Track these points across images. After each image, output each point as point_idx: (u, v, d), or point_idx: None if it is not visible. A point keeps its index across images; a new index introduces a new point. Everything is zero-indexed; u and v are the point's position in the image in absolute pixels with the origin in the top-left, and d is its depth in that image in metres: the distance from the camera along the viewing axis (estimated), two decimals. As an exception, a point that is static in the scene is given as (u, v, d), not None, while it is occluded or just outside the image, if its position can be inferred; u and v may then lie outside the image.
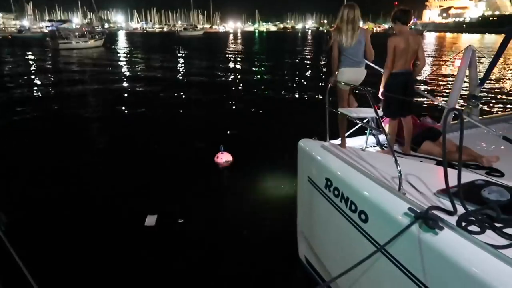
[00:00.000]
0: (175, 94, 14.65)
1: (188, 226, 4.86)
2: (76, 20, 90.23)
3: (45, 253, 4.25)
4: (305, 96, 14.75)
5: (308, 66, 26.40)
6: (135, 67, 24.48)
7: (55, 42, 38.68)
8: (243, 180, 6.36)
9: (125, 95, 14.83)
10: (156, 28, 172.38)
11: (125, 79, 19.12)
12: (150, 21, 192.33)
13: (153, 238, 4.61)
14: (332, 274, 3.23)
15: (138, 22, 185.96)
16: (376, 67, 4.03)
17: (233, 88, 16.70)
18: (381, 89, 3.80)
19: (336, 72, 3.76)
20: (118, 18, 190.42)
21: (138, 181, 6.31)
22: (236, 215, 5.16)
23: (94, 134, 9.54)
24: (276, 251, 4.32)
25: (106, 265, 4.07)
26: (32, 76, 19.74)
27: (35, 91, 15.47)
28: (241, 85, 17.37)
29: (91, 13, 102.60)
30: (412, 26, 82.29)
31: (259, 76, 20.85)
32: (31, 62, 27.54)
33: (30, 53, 34.98)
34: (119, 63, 27.61)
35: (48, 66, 25.60)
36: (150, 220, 4.87)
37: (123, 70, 23.22)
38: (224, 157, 6.97)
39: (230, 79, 19.36)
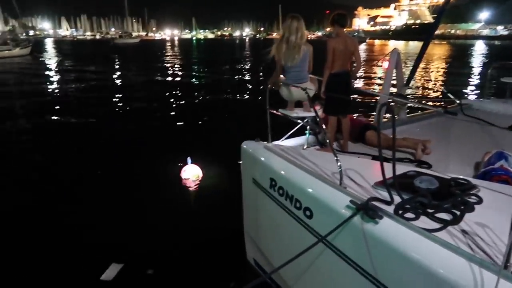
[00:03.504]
0: (118, 108, 13.59)
1: (157, 277, 3.99)
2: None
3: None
4: (246, 98, 14.93)
5: (247, 70, 26.75)
6: (70, 77, 22.62)
7: (-27, 51, 35.43)
8: (209, 192, 5.94)
9: (61, 110, 13.29)
10: (88, 35, 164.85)
11: (59, 92, 17.53)
12: (81, 28, 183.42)
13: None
14: (280, 273, 3.27)
15: (67, 29, 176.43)
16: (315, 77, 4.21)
17: (177, 95, 16.31)
18: (323, 89, 3.98)
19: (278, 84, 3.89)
20: (44, 25, 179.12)
21: (93, 216, 5.25)
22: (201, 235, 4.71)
23: (24, 160, 7.87)
24: (224, 256, 4.27)
25: None
26: None
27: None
28: (184, 92, 17.08)
29: (13, 20, 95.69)
30: (355, 34, 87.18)
31: (200, 82, 20.75)
32: None
33: None
34: (51, 73, 25.55)
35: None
36: (110, 273, 3.93)
37: (56, 81, 21.42)
38: (191, 171, 6.30)
39: (172, 86, 18.95)
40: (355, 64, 4.20)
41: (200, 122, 11.00)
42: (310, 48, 3.82)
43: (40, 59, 38.31)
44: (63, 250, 4.41)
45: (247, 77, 22.87)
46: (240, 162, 3.68)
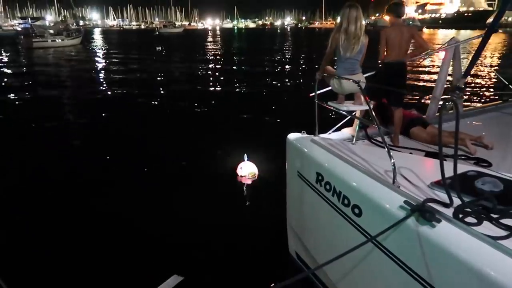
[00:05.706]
0: (166, 98, 13.66)
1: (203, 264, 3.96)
2: (49, 17, 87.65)
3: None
4: (291, 89, 14.73)
5: (290, 60, 26.44)
6: (120, 68, 23.09)
7: (28, 40, 37.23)
8: (264, 190, 5.74)
9: (114, 101, 13.37)
10: (133, 25, 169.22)
11: (111, 82, 17.72)
12: (127, 18, 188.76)
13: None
14: (324, 269, 3.20)
15: (114, 19, 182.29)
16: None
17: (225, 87, 16.21)
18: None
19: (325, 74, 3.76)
20: (93, 15, 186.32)
21: (149, 209, 5.20)
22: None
23: (78, 148, 8.15)
24: (266, 247, 4.28)
25: None
26: (5, 79, 18.85)
27: (8, 95, 14.40)
28: (230, 83, 17.00)
29: (65, 10, 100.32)
30: (410, 22, 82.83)
31: (243, 73, 20.69)
32: (2, 62, 26.22)
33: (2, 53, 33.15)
34: (101, 63, 26.34)
35: (22, 67, 24.13)
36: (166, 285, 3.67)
37: (107, 71, 21.93)
38: (247, 168, 6.17)
39: (217, 77, 19.08)
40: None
41: (248, 115, 10.69)
42: (366, 40, 3.63)
43: (90, 49, 39.67)
44: (123, 254, 4.31)
45: (289, 68, 22.60)
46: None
